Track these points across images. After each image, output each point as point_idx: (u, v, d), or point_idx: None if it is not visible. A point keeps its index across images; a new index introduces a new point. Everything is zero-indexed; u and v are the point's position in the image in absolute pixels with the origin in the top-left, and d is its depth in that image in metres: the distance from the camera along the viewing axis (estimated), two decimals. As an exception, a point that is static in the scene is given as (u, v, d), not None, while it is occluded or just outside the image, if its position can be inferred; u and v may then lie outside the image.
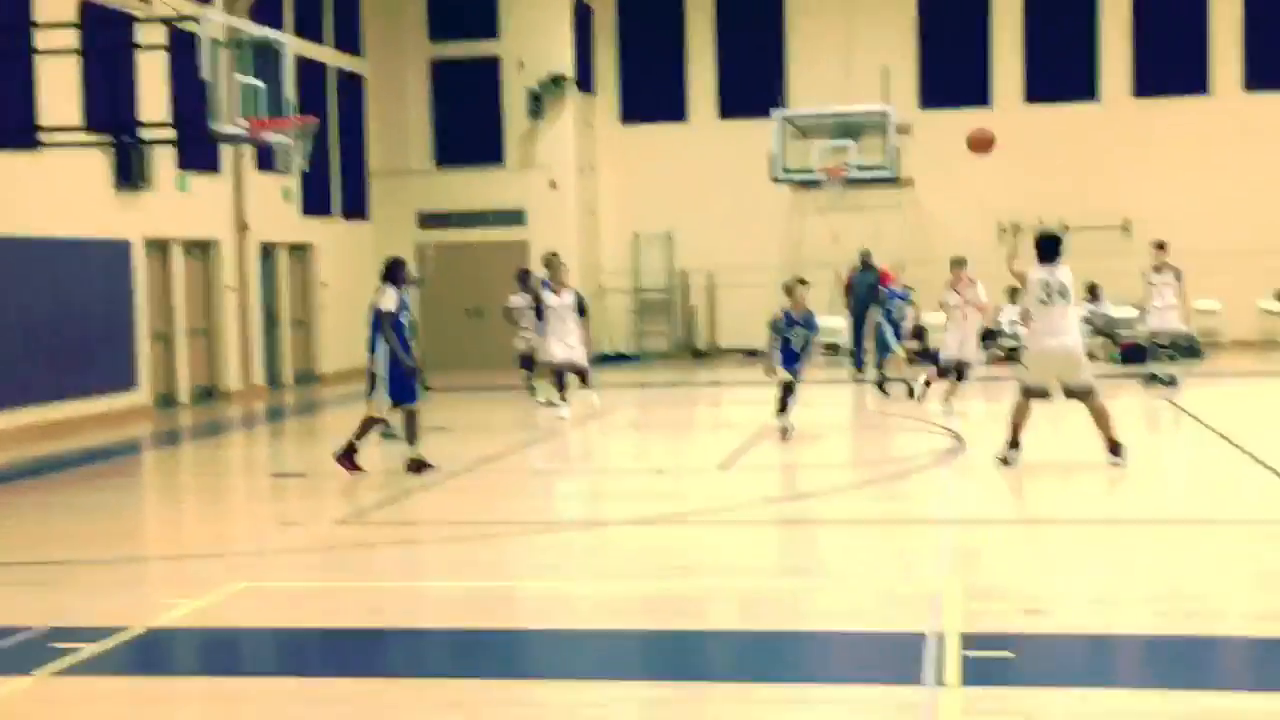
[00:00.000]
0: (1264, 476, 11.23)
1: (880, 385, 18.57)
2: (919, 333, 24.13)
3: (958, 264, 17.68)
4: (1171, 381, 18.13)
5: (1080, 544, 8.99)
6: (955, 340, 16.94)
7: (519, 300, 18.26)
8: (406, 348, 12.36)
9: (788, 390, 14.07)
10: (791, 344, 14.25)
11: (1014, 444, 11.78)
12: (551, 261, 16.87)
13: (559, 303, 16.44)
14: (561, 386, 16.45)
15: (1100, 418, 11.49)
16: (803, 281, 14.76)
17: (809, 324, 14.30)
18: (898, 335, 18.47)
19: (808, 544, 9.35)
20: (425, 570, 8.87)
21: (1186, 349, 19.61)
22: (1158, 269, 18.62)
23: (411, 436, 12.40)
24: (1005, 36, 25.93)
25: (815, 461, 13.04)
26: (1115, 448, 11.52)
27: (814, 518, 10.27)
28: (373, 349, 12.36)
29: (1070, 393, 11.69)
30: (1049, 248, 11.70)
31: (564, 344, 16.34)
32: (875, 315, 19.64)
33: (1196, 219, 25.00)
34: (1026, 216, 25.08)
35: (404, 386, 12.32)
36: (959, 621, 6.87)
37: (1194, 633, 6.82)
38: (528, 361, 18.24)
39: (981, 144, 13.62)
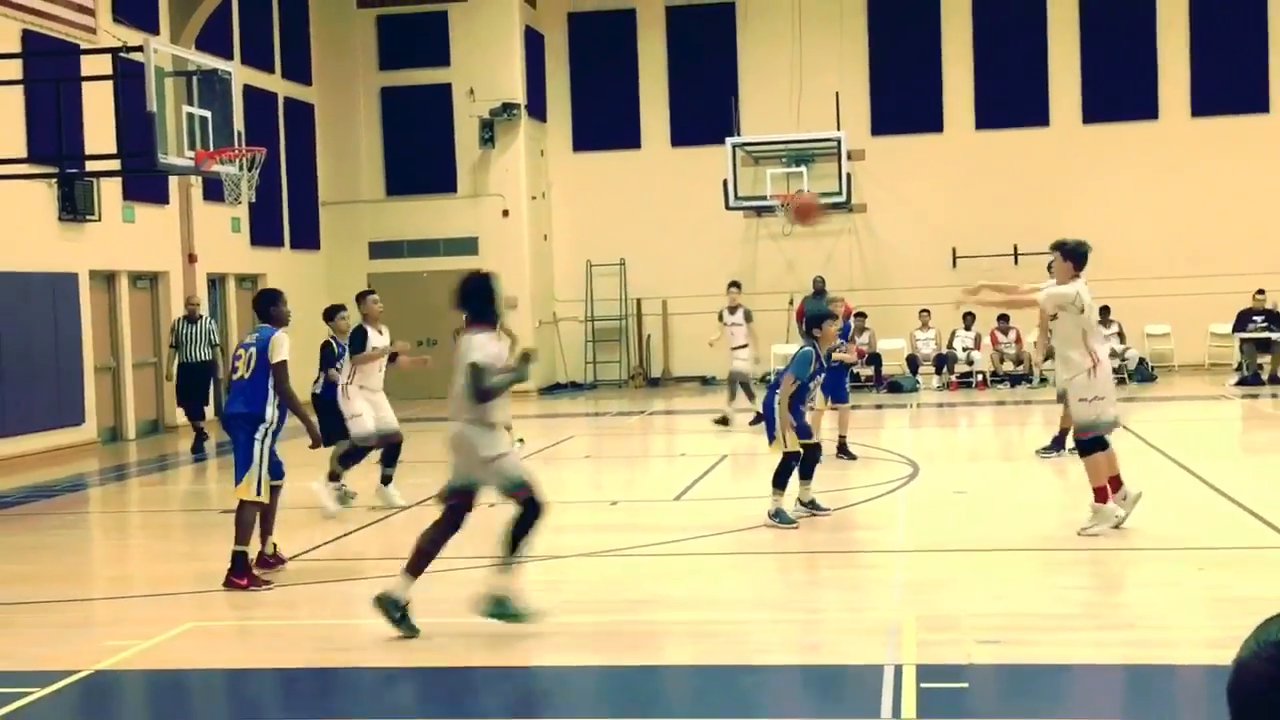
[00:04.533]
0: (1215, 501, 11.35)
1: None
2: (873, 359, 24.30)
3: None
4: (724, 421, 18.06)
5: (1032, 573, 9.04)
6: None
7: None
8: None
9: None
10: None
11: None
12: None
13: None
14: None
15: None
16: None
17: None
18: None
19: (764, 576, 9.36)
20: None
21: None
22: (731, 309, 18.66)
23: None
24: (955, 64, 26.19)
25: (770, 492, 13.04)
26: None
27: (769, 549, 10.27)
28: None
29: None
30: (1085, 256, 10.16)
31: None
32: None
33: (1146, 243, 25.34)
34: (978, 242, 25.39)
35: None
36: (914, 653, 6.89)
37: (1147, 661, 6.87)
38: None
39: (804, 211, 12.46)
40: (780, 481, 10.76)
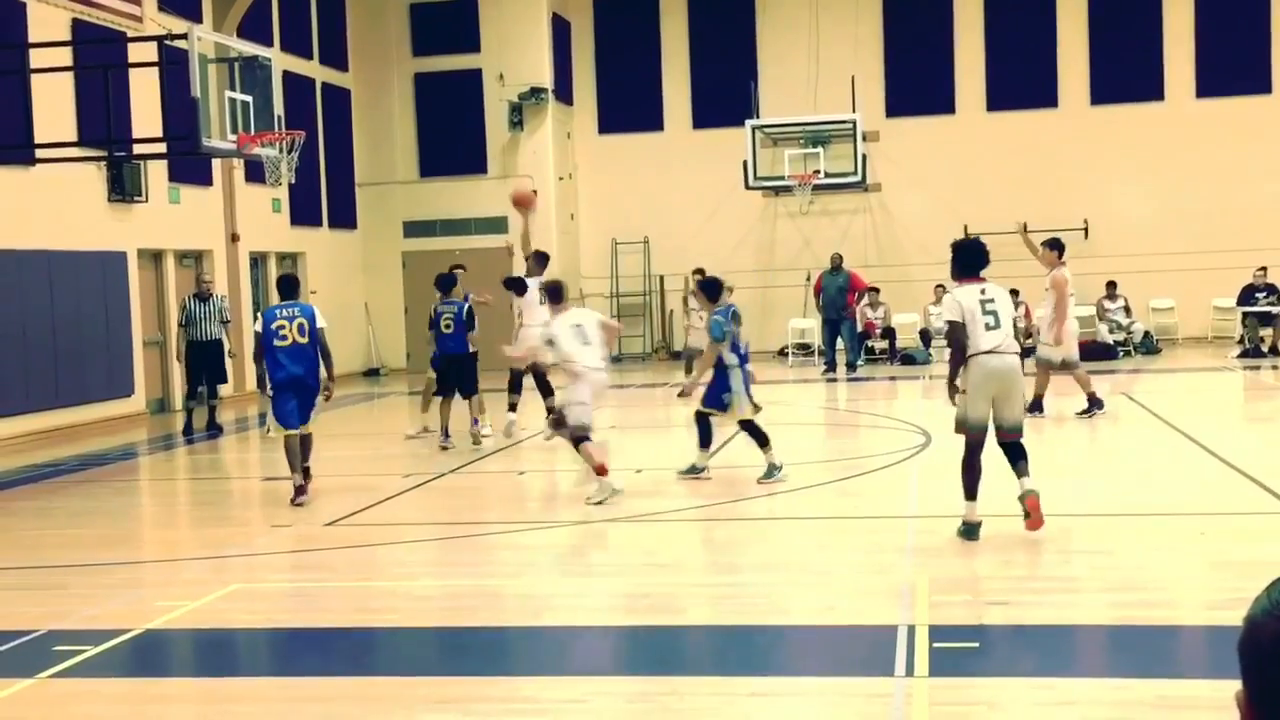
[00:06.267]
0: (1215, 467, 11.31)
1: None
2: (889, 333, 24.25)
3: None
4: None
5: (1040, 537, 9.03)
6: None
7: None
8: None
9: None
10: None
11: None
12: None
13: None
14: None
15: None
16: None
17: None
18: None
19: (782, 541, 9.37)
20: (411, 570, 8.86)
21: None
22: (696, 294, 18.58)
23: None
24: (968, 47, 26.00)
25: (788, 459, 13.05)
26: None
27: (788, 514, 10.29)
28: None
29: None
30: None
31: None
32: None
33: (1151, 221, 25.19)
34: (989, 220, 25.25)
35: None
36: (927, 614, 6.90)
37: (1150, 622, 6.87)
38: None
39: (523, 201, 14.94)
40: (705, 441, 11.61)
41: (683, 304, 19.61)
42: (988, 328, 8.55)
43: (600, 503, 10.58)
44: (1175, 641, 6.69)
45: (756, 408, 11.56)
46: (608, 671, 6.41)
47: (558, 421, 11.39)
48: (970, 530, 8.71)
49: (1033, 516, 8.62)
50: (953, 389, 8.86)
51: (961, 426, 8.75)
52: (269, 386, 11.72)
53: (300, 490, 11.22)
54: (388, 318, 26.15)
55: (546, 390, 14.87)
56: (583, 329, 11.08)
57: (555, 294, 11.46)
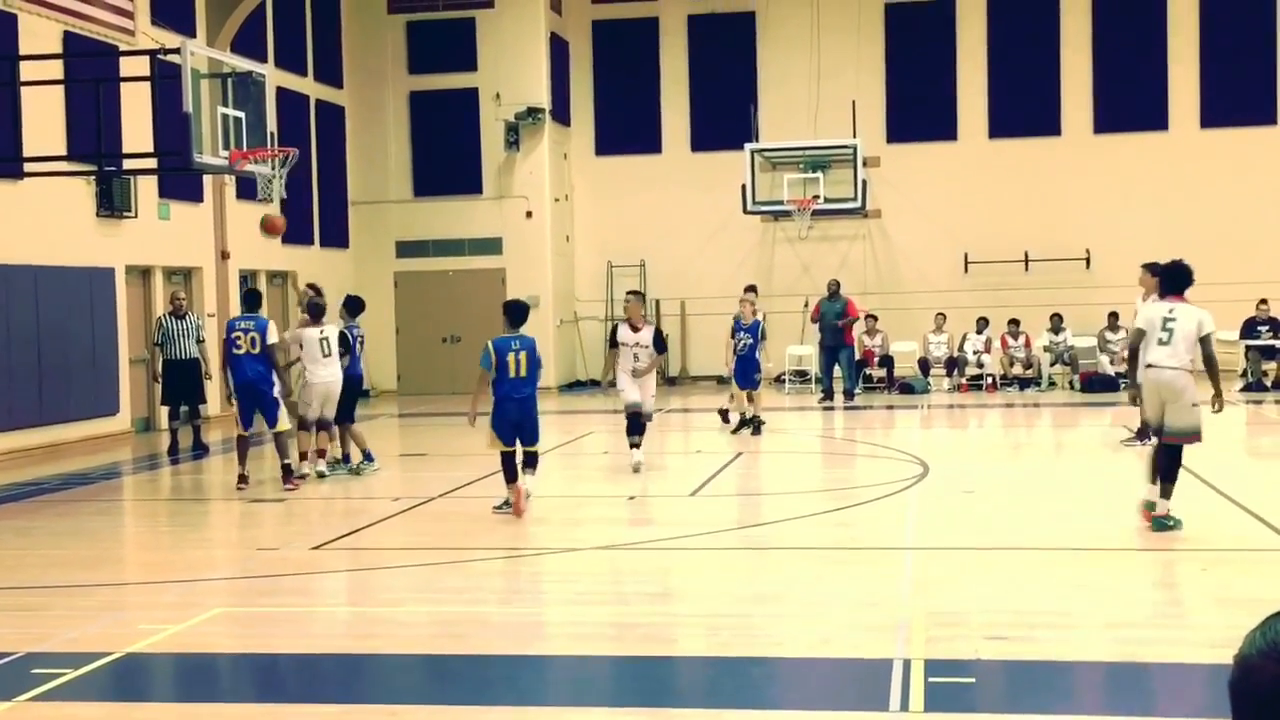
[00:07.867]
0: (1218, 503, 11.31)
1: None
2: (887, 361, 24.26)
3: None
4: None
5: (1039, 571, 9.02)
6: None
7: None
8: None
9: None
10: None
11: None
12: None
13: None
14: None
15: None
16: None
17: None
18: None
19: (776, 571, 9.35)
20: (399, 596, 8.83)
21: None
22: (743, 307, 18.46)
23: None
24: (970, 74, 26.11)
25: (784, 488, 13.04)
26: None
27: (783, 544, 10.28)
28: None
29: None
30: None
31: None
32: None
33: (1153, 251, 25.14)
34: (990, 249, 25.33)
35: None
36: (923, 648, 6.88)
37: (1151, 659, 6.86)
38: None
39: (272, 229, 16.57)
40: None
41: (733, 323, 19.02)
42: (1159, 342, 9.68)
43: (305, 474, 13.43)
44: (1176, 679, 6.67)
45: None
46: (597, 702, 6.39)
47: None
48: (1148, 505, 9.87)
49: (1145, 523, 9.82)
50: (1133, 393, 10.12)
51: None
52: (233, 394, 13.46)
53: (243, 479, 13.09)
54: (379, 338, 26.09)
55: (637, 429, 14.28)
56: (327, 341, 13.62)
57: (315, 311, 13.82)
